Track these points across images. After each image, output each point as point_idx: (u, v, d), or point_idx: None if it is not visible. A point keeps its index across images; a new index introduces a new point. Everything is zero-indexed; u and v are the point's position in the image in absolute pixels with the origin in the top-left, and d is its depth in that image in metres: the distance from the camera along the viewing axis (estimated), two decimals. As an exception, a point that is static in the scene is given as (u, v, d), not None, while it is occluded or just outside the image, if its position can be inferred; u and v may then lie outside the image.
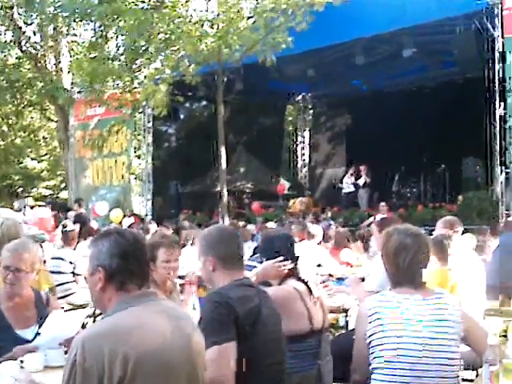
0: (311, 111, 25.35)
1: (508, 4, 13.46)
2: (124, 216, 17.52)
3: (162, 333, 2.23)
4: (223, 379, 2.73)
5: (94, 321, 3.29)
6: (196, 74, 15.11)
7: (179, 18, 14.45)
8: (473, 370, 4.42)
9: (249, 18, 14.62)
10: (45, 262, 7.25)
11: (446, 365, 2.95)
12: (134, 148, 22.44)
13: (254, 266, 4.78)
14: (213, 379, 2.67)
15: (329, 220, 15.14)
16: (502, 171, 13.89)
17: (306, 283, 3.80)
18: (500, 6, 13.59)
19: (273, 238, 4.28)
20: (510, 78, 13.43)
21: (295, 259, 3.94)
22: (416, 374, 2.92)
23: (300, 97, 24.68)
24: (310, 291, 3.78)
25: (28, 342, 3.58)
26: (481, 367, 2.84)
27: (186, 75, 14.83)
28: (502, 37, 13.59)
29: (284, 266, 3.83)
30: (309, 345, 3.68)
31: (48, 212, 13.57)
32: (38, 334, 3.60)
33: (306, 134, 25.14)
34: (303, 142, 25.13)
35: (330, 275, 8.01)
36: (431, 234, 7.84)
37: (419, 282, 3.12)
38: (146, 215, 20.04)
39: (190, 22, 14.56)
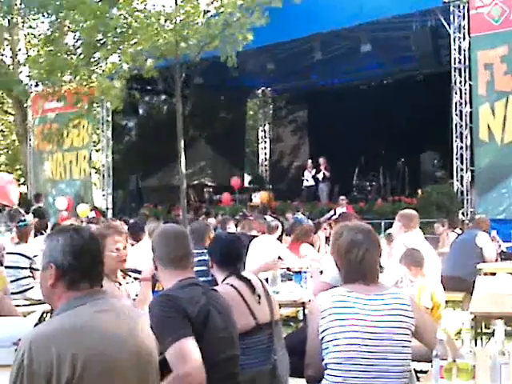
0: (271, 106, 25.40)
1: (475, 3, 13.70)
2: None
3: (110, 333, 2.21)
4: (191, 371, 2.69)
5: (51, 316, 3.23)
6: (154, 69, 14.98)
7: (136, 11, 14.31)
8: (428, 362, 4.49)
9: (206, 12, 14.53)
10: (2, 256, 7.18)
11: (398, 359, 2.98)
12: (94, 142, 22.24)
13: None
14: (181, 376, 2.67)
15: (298, 215, 15.08)
16: (467, 169, 14.12)
17: (247, 281, 3.80)
18: (467, 5, 13.84)
19: (215, 238, 4.38)
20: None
21: (235, 260, 3.95)
22: (369, 369, 2.93)
23: (260, 91, 24.73)
24: (253, 289, 3.78)
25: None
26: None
27: (144, 70, 14.70)
28: (469, 35, 13.89)
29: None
30: (259, 340, 3.66)
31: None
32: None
33: (267, 128, 25.20)
34: (264, 137, 25.20)
35: (288, 269, 8.08)
36: (390, 227, 7.97)
37: (372, 278, 3.13)
38: (107, 209, 19.92)
39: (146, 16, 14.41)
